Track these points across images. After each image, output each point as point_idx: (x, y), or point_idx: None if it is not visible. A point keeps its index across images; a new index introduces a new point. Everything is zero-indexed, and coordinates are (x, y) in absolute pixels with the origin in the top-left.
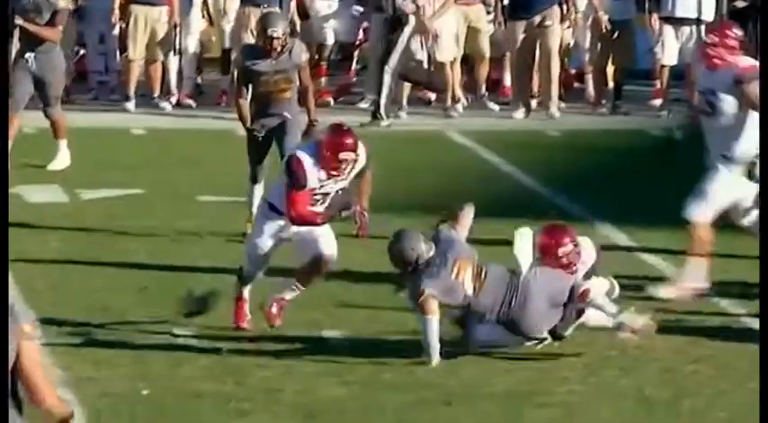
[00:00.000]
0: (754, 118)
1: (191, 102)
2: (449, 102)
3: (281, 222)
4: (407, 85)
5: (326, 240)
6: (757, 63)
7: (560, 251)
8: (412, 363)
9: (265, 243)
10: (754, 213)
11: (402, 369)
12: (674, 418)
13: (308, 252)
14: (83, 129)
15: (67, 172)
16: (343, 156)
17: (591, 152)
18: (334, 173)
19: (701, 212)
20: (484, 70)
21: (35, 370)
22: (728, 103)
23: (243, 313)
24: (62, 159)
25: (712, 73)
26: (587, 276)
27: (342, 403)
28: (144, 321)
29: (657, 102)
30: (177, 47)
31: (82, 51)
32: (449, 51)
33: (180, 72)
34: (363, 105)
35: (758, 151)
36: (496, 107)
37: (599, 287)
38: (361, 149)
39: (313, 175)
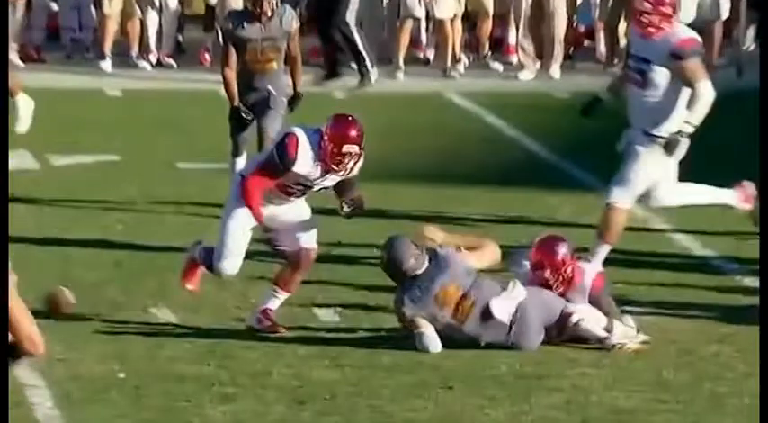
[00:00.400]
0: (685, 94)
1: (171, 61)
2: (449, 62)
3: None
4: (404, 44)
5: (307, 233)
6: (696, 36)
7: (546, 273)
8: (409, 343)
9: (241, 226)
10: (667, 191)
11: (399, 349)
12: (693, 404)
13: (287, 244)
14: (54, 90)
15: (38, 136)
16: (346, 149)
17: (601, 115)
18: (335, 168)
19: (625, 200)
20: (487, 28)
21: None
22: (661, 76)
23: (196, 275)
24: (25, 114)
25: (646, 42)
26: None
27: (334, 387)
28: (119, 298)
29: None
30: (157, 2)
31: (54, 6)
32: (448, 7)
33: (160, 29)
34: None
35: (681, 128)
36: (500, 67)
37: (593, 318)
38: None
39: (305, 164)
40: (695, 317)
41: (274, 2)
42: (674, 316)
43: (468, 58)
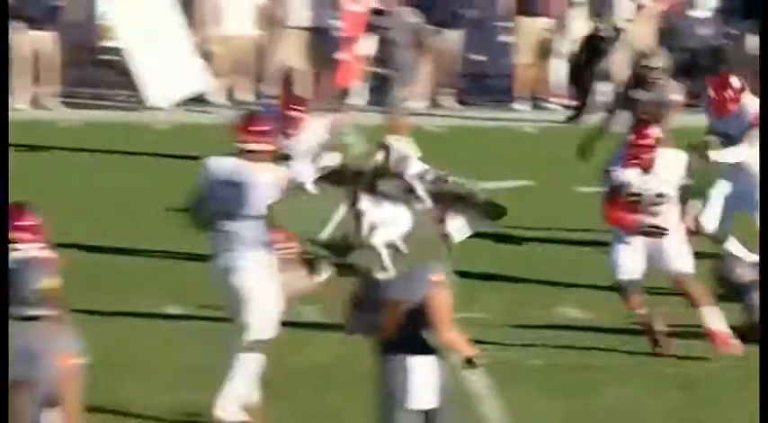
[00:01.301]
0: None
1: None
2: None
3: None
4: None
5: (678, 253)
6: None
7: None
8: None
9: (630, 261)
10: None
11: None
12: None
13: (662, 267)
14: (473, 128)
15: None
16: (639, 139)
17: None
18: (635, 160)
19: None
20: None
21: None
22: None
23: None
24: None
25: (722, 118)
26: None
27: (716, 374)
28: (524, 299)
29: None
30: (562, 49)
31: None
32: None
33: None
34: None
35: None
36: None
37: None
38: (675, 154)
39: (618, 171)
40: None
41: (660, 70)
42: None
43: None
